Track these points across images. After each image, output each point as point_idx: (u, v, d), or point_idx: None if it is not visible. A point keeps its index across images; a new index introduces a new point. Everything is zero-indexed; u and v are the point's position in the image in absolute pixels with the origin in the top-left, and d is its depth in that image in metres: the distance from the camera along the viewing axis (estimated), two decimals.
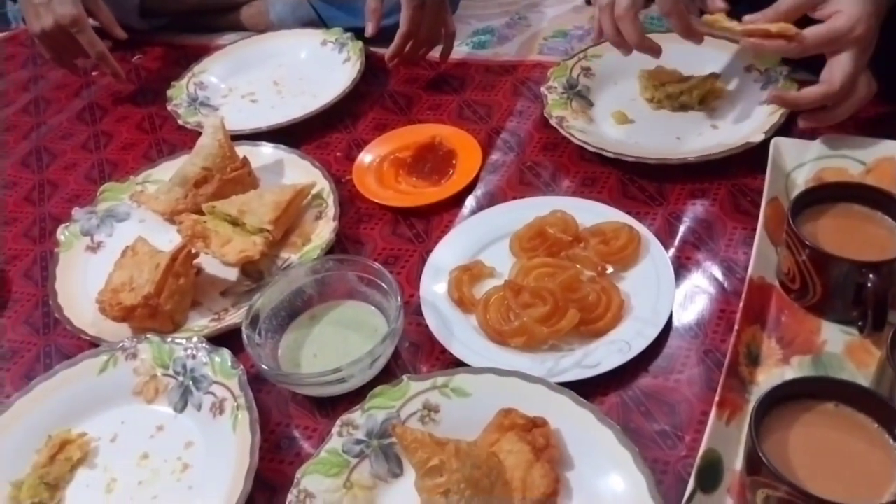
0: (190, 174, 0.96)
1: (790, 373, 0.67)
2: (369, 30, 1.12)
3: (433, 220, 0.92)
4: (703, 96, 0.98)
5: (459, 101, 1.10)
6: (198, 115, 1.13)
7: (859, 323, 0.68)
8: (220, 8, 1.37)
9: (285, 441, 0.71)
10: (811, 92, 0.82)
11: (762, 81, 0.98)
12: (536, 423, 0.64)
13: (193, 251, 0.84)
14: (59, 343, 0.85)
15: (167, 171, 1.00)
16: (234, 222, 0.88)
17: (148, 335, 0.77)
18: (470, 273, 0.81)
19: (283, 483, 0.65)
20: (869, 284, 0.65)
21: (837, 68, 0.79)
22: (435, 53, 1.15)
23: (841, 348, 0.69)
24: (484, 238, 0.86)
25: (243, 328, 0.73)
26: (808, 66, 0.97)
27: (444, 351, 0.75)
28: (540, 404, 0.65)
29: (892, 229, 0.70)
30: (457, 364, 0.73)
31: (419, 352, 0.77)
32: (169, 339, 0.76)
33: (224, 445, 0.68)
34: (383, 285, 0.76)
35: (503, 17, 1.29)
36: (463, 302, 0.79)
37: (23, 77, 1.39)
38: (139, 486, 0.69)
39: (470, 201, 0.93)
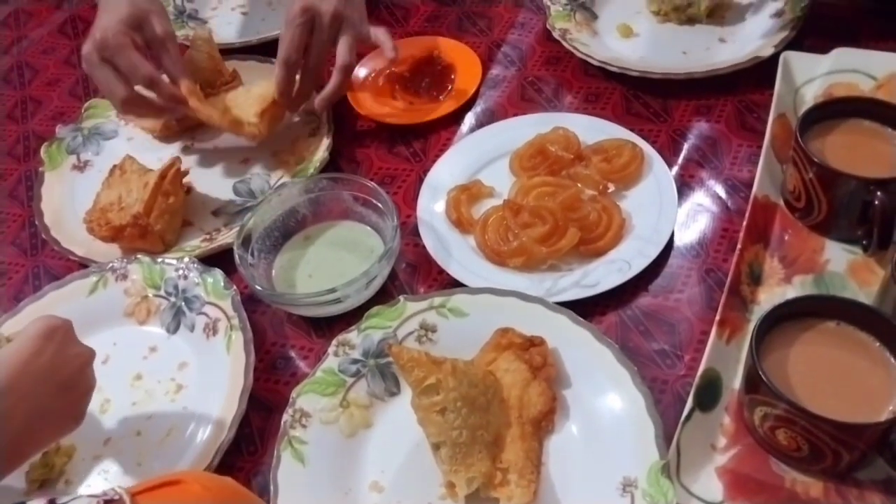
0: None
1: (792, 292, 0.66)
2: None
3: (431, 137, 0.89)
4: (711, 9, 0.94)
5: (459, 13, 1.06)
6: (185, 27, 1.08)
7: (864, 241, 0.67)
8: None
9: (281, 361, 0.71)
10: None
11: None
12: (534, 342, 0.63)
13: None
14: (47, 264, 0.84)
15: None
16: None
17: (138, 255, 0.76)
18: (468, 192, 0.79)
19: (279, 403, 0.65)
20: (876, 202, 0.63)
21: None
22: None
23: (844, 267, 0.68)
24: (483, 157, 0.84)
25: (235, 247, 0.71)
26: None
27: (441, 272, 0.74)
28: (538, 324, 0.65)
29: None
30: (454, 285, 0.72)
31: (416, 272, 0.76)
32: (160, 260, 0.75)
33: (218, 366, 0.68)
34: (379, 205, 0.74)
35: None
36: (461, 222, 0.77)
37: None
38: (133, 406, 0.68)
39: (469, 118, 0.91)
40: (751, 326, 0.64)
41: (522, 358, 0.63)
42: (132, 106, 0.82)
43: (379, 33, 0.89)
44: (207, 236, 0.81)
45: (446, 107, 0.91)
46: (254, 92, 0.86)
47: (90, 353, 0.59)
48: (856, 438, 0.52)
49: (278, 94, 0.84)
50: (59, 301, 0.74)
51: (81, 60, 0.81)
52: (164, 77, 0.83)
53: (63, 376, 0.56)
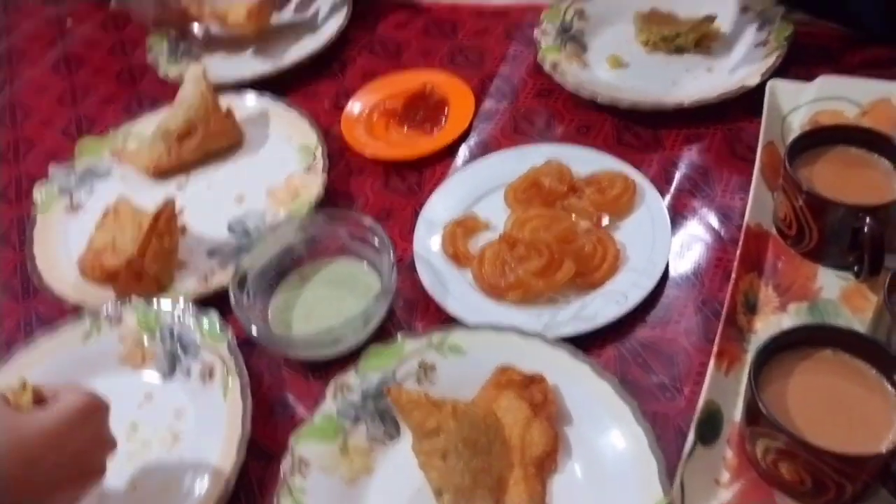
0: (172, 127, 0.93)
1: (787, 320, 0.67)
2: None
3: (426, 171, 0.90)
4: (698, 39, 0.95)
5: (451, 47, 1.07)
6: (179, 65, 1.09)
7: (855, 268, 0.68)
8: None
9: (278, 406, 0.70)
10: None
11: (758, 23, 0.95)
12: (534, 380, 0.63)
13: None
14: (39, 310, 0.83)
15: (148, 125, 0.97)
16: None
17: (132, 299, 0.76)
18: (464, 227, 0.80)
19: (278, 450, 0.64)
20: (865, 228, 0.64)
21: None
22: None
23: (837, 294, 0.68)
24: (478, 190, 0.84)
25: (231, 290, 0.71)
26: (802, 5, 0.95)
27: (439, 308, 0.73)
28: (537, 360, 0.65)
29: (888, 172, 0.69)
30: (452, 321, 0.72)
31: (414, 309, 0.76)
32: (155, 303, 0.75)
33: (215, 413, 0.67)
34: (375, 241, 0.75)
35: None
36: (457, 257, 0.77)
37: None
38: (129, 459, 0.67)
39: (463, 151, 0.91)
40: (748, 357, 0.64)
41: (523, 396, 0.63)
42: (161, 19, 1.08)
43: None
44: (203, 278, 0.80)
45: (440, 140, 0.91)
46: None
47: (114, 445, 0.59)
48: (858, 470, 0.52)
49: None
50: (54, 348, 0.74)
51: None
52: None
53: (85, 462, 0.56)
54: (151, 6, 1.07)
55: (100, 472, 0.58)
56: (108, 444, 0.58)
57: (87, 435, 0.55)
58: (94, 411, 0.56)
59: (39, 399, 0.56)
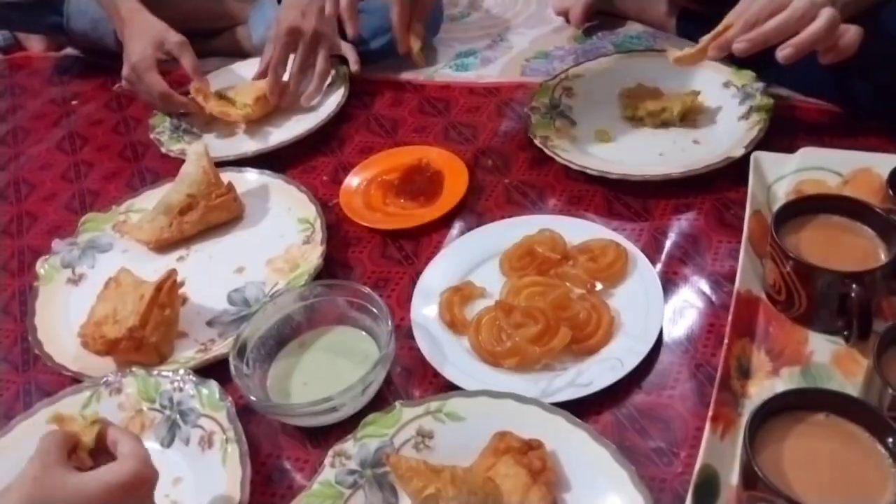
0: (174, 202, 0.95)
1: (780, 384, 0.68)
2: (349, 29, 1.06)
3: (422, 241, 0.92)
4: (683, 113, 0.99)
5: (445, 123, 1.11)
6: (181, 142, 1.13)
7: (845, 332, 0.69)
8: (201, 34, 1.37)
9: (276, 473, 0.70)
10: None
11: (740, 97, 1.00)
12: (532, 446, 0.63)
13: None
14: (39, 380, 0.84)
15: (150, 200, 1.00)
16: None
17: (133, 368, 0.76)
18: (461, 294, 0.81)
19: None
20: (853, 294, 0.66)
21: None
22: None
23: (828, 358, 0.69)
24: (473, 258, 0.86)
25: (230, 358, 0.72)
26: (783, 82, 1.00)
27: (436, 374, 0.74)
28: (535, 426, 0.65)
29: (872, 239, 0.71)
30: (450, 387, 0.72)
31: (411, 376, 0.76)
32: (154, 373, 0.75)
33: (213, 480, 0.67)
34: (373, 310, 0.76)
35: (485, 39, 1.30)
36: (454, 324, 0.78)
37: (1, 107, 1.38)
38: None
39: (458, 222, 0.94)
40: (743, 421, 0.64)
41: (521, 462, 0.63)
42: (167, 107, 1.16)
43: (346, 48, 1.18)
44: (202, 347, 0.81)
45: (436, 211, 0.94)
46: (252, 86, 1.14)
47: None
48: None
49: (269, 93, 1.12)
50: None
51: (123, 80, 1.16)
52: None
53: None
54: (157, 98, 1.13)
55: None
56: None
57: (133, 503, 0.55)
58: (142, 484, 0.56)
59: (101, 442, 0.58)
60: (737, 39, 0.83)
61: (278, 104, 1.15)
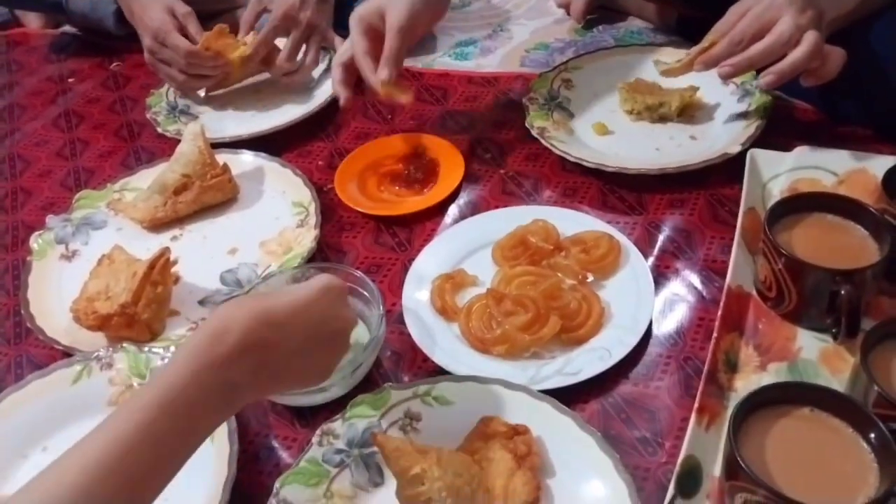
0: (169, 181, 0.95)
1: (767, 379, 0.68)
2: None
3: (416, 228, 0.92)
4: (681, 108, 0.99)
5: (442, 112, 1.11)
6: (177, 123, 1.12)
7: (833, 330, 0.69)
8: (202, 15, 1.37)
9: (264, 451, 0.71)
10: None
11: (739, 94, 1.00)
12: (518, 431, 0.64)
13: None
14: (31, 353, 0.84)
15: (145, 179, 1.00)
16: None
17: (124, 344, 0.76)
18: (452, 281, 0.81)
19: (263, 494, 0.64)
20: (843, 292, 0.66)
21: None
22: None
23: (816, 355, 0.70)
24: (466, 247, 0.86)
25: None
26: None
27: (426, 359, 0.75)
28: (522, 412, 0.66)
29: (864, 238, 0.72)
30: (439, 372, 0.73)
31: (401, 360, 0.77)
32: (145, 349, 0.76)
33: (202, 456, 0.65)
34: (365, 293, 0.76)
35: (485, 28, 1.30)
36: (445, 310, 0.79)
37: None
38: None
39: (452, 210, 0.94)
40: (728, 413, 0.65)
41: (507, 447, 0.63)
42: (187, 88, 1.16)
43: (338, 43, 1.14)
44: (194, 325, 0.82)
45: (431, 199, 0.94)
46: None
47: (354, 320, 0.64)
48: None
49: (247, 58, 1.13)
50: (42, 391, 0.74)
51: (144, 53, 1.15)
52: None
53: (326, 331, 0.60)
54: (184, 57, 1.11)
55: (344, 345, 0.63)
56: (350, 319, 0.63)
57: (328, 305, 0.60)
58: (332, 288, 0.61)
59: None
60: (721, 64, 0.85)
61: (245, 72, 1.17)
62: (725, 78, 0.87)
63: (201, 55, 1.10)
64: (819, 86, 0.86)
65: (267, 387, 0.58)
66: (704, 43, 0.89)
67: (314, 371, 0.61)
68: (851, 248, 0.71)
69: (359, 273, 0.77)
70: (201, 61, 1.11)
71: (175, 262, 0.86)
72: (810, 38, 0.81)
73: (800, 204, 0.75)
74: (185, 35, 1.12)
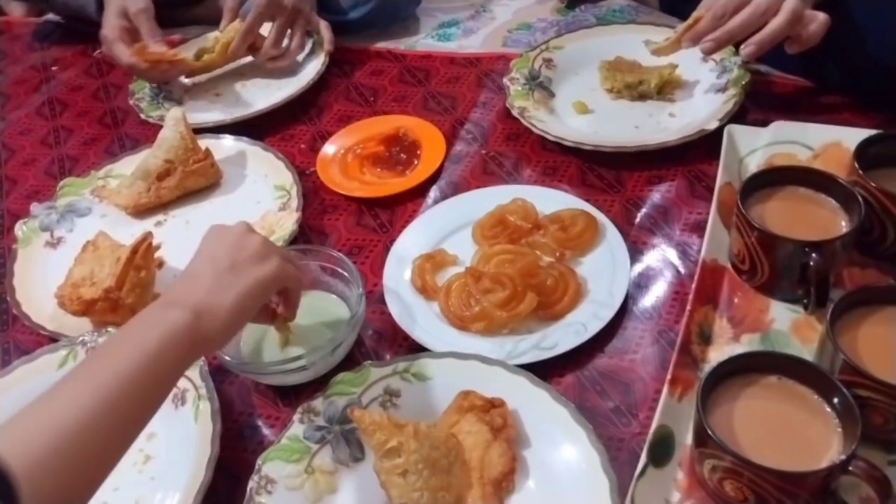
0: (152, 167, 0.96)
1: (740, 350, 0.69)
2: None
3: (397, 210, 0.93)
4: (661, 86, 1.00)
5: (424, 93, 1.11)
6: (160, 109, 1.13)
7: (804, 301, 0.71)
8: (183, 2, 1.37)
9: (248, 430, 0.72)
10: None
11: (717, 70, 1.00)
12: (494, 404, 0.65)
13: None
14: (17, 339, 0.85)
15: (129, 166, 1.00)
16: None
17: (109, 329, 0.77)
18: (433, 261, 0.82)
19: (246, 471, 0.65)
20: (811, 263, 0.67)
21: None
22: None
23: (788, 326, 0.71)
24: (447, 227, 0.87)
25: None
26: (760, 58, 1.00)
27: (406, 338, 0.76)
28: (498, 386, 0.67)
29: (835, 211, 0.73)
30: (419, 350, 0.74)
31: (382, 339, 0.78)
32: None
33: (186, 436, 0.68)
34: (346, 274, 0.77)
35: (468, 9, 1.30)
36: (426, 289, 0.80)
37: None
38: None
39: (434, 191, 0.95)
40: None
41: (483, 420, 0.65)
42: (142, 76, 1.15)
43: (322, 27, 1.18)
44: None
45: (412, 180, 0.95)
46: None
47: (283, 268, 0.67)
48: (797, 487, 0.54)
49: (234, 48, 1.14)
50: (29, 375, 0.75)
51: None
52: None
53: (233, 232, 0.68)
54: (126, 70, 1.13)
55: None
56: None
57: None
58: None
59: None
60: (703, 39, 0.87)
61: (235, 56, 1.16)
62: (708, 53, 0.88)
63: (138, 67, 1.09)
64: (803, 53, 0.86)
65: (218, 299, 0.61)
66: (690, 20, 0.90)
67: (254, 267, 0.64)
68: (823, 220, 0.72)
69: (338, 254, 0.78)
70: (142, 73, 1.11)
71: (158, 247, 0.86)
72: (789, 5, 0.82)
73: (773, 178, 0.76)
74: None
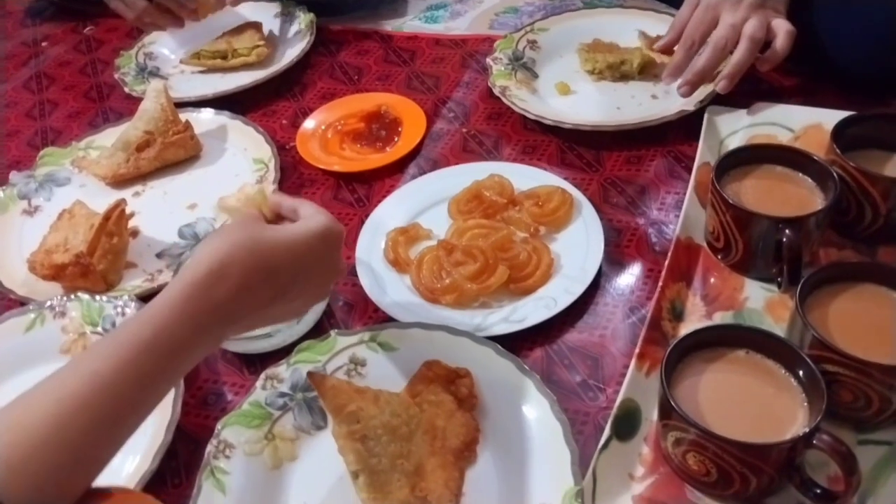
0: (132, 138, 0.95)
1: None
2: None
3: (375, 185, 0.92)
4: (642, 66, 0.99)
5: (408, 73, 1.11)
6: (145, 83, 1.12)
7: (778, 279, 0.70)
8: None
9: (212, 397, 0.71)
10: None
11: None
12: (459, 374, 0.65)
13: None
14: None
15: (111, 138, 1.00)
16: (224, 56, 1.13)
17: (77, 293, 0.77)
18: (407, 235, 0.82)
19: (207, 437, 0.65)
20: (784, 239, 0.66)
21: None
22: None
23: (762, 305, 0.70)
24: (423, 202, 0.87)
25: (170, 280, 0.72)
26: None
27: (377, 310, 0.75)
28: (465, 356, 0.66)
29: (812, 189, 0.72)
30: (389, 322, 0.73)
31: (352, 311, 0.77)
32: (99, 298, 0.76)
33: None
34: None
35: None
36: (398, 262, 0.79)
37: None
38: None
39: (412, 167, 0.94)
40: None
41: (448, 389, 0.64)
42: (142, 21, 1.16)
43: None
44: (149, 277, 0.82)
45: (391, 156, 0.94)
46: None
47: (344, 271, 0.65)
48: (761, 460, 0.53)
49: None
50: None
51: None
52: None
53: (315, 278, 0.58)
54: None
55: (325, 294, 0.63)
56: (340, 270, 0.62)
57: (323, 256, 0.57)
58: (335, 234, 0.58)
59: (278, 217, 0.60)
60: (679, 85, 0.90)
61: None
62: (686, 97, 0.91)
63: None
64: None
65: (249, 325, 0.57)
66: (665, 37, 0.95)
67: (291, 312, 0.61)
68: (798, 197, 0.72)
69: None
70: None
71: (132, 216, 0.86)
72: (748, 31, 0.85)
73: (749, 156, 0.75)
74: None
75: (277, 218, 0.60)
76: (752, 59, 0.86)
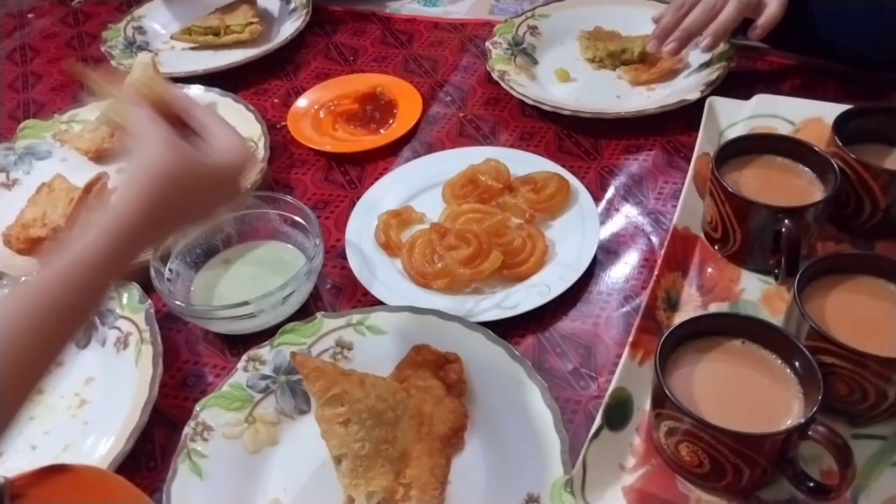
0: None
1: None
2: None
3: (368, 167, 0.90)
4: (643, 54, 0.97)
5: (405, 55, 1.08)
6: (133, 57, 1.09)
7: (775, 271, 0.68)
8: None
9: (192, 378, 0.69)
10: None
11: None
12: (448, 359, 0.63)
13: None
14: None
15: (94, 111, 0.97)
16: (217, 32, 1.10)
17: None
18: (399, 218, 0.80)
19: (185, 419, 0.63)
20: (783, 229, 0.65)
21: None
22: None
23: (758, 296, 0.69)
24: (417, 185, 0.85)
25: (151, 260, 0.70)
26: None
27: (366, 293, 0.73)
28: (455, 342, 0.64)
29: (811, 180, 0.70)
30: (378, 304, 0.71)
31: (341, 293, 0.75)
32: None
33: (125, 380, 0.65)
34: (305, 224, 0.74)
35: None
36: (389, 245, 0.77)
37: None
38: (30, 421, 0.66)
39: (407, 150, 0.92)
40: None
41: (437, 375, 0.62)
42: None
43: None
44: None
45: (385, 138, 0.92)
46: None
47: (243, 202, 0.68)
48: (753, 451, 0.52)
49: None
50: None
51: None
52: None
53: (219, 205, 0.57)
54: None
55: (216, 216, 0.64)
56: (241, 198, 0.62)
57: (234, 186, 0.56)
58: (247, 168, 0.57)
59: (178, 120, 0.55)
60: (665, 42, 0.89)
61: None
62: (672, 54, 0.90)
63: None
64: (785, 28, 0.85)
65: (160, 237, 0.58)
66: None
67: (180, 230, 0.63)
68: (798, 188, 0.70)
69: (297, 202, 0.75)
70: None
71: (114, 190, 0.83)
72: None
73: (749, 146, 0.74)
74: None
75: (175, 119, 0.56)
76: (738, 18, 0.86)
